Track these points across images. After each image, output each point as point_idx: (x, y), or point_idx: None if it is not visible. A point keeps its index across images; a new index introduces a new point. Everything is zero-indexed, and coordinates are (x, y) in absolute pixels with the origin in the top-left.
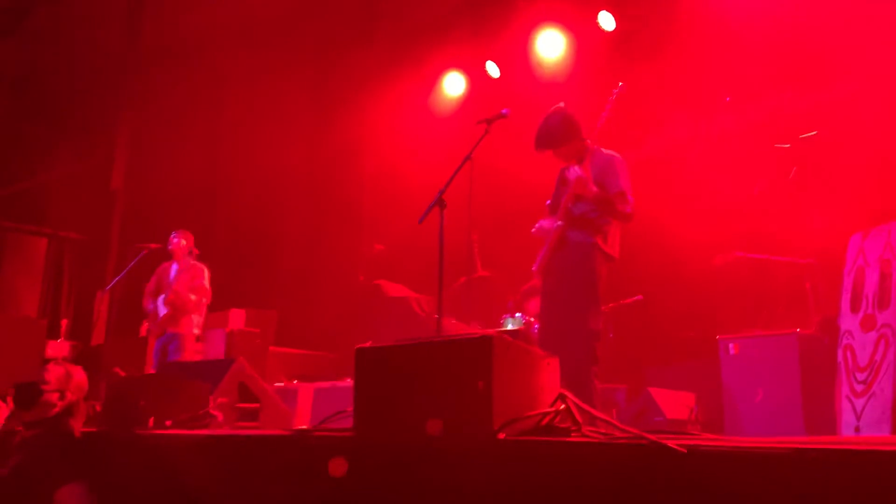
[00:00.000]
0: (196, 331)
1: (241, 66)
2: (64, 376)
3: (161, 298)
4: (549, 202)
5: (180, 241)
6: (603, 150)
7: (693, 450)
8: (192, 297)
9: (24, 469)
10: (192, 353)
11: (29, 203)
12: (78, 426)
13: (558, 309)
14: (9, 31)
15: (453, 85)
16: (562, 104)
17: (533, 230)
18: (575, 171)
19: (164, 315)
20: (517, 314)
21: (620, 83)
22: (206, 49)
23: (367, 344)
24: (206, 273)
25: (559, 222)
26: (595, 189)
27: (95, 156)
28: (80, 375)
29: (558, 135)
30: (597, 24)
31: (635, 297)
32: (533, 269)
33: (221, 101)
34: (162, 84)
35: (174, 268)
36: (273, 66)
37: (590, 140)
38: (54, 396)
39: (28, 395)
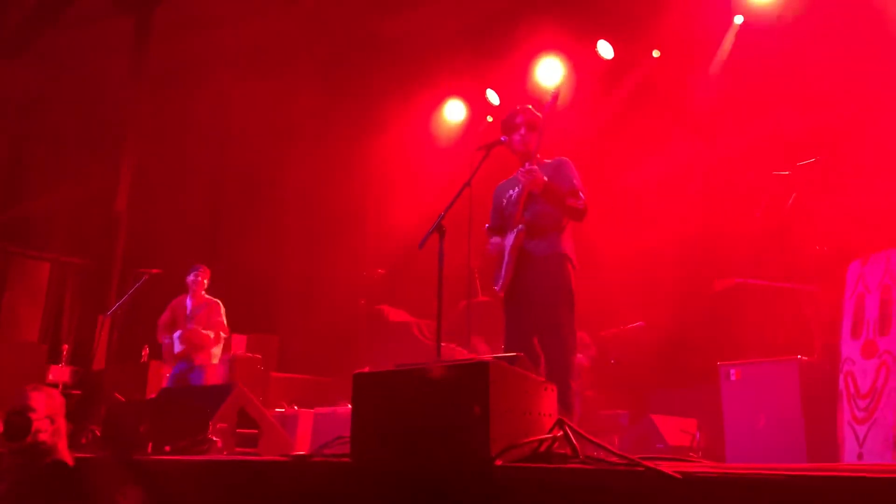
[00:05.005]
0: (215, 361)
1: (244, 93)
2: (47, 400)
3: (177, 335)
4: (488, 226)
5: (201, 280)
6: (546, 159)
7: (688, 476)
8: (210, 334)
9: (10, 498)
10: (214, 379)
11: (32, 227)
12: (67, 453)
13: (535, 324)
14: (15, 55)
15: (454, 112)
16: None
17: (489, 247)
18: (526, 167)
19: (181, 351)
20: None
21: (555, 90)
22: (210, 75)
23: (365, 369)
24: (222, 309)
25: (520, 226)
26: (545, 179)
27: (99, 180)
28: (59, 397)
29: (537, 121)
30: (596, 52)
31: (637, 323)
32: (496, 287)
33: (224, 126)
34: (166, 109)
35: (189, 303)
36: (276, 93)
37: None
38: (45, 423)
39: (18, 427)
